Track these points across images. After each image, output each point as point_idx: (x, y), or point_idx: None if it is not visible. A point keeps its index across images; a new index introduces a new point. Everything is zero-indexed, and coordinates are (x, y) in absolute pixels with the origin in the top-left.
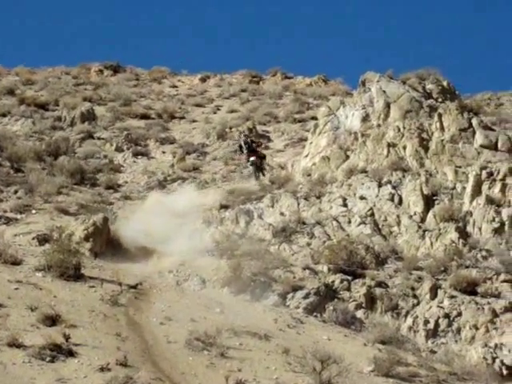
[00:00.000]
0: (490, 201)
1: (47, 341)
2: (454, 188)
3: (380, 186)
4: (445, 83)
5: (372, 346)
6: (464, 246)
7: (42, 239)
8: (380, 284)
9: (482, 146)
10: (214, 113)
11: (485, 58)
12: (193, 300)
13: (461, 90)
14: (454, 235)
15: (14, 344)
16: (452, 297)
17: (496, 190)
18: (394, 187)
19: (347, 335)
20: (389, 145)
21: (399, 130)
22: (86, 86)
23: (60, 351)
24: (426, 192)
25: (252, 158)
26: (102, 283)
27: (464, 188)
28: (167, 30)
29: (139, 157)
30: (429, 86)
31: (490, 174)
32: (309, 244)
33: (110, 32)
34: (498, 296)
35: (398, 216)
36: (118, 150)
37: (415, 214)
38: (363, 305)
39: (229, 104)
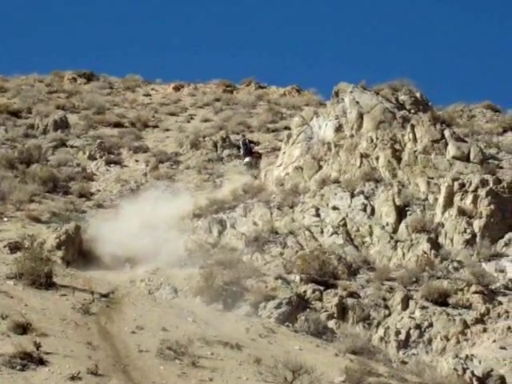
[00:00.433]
0: (461, 212)
1: (18, 349)
2: (426, 199)
3: (353, 196)
4: (418, 94)
5: (343, 357)
6: (436, 257)
7: (14, 247)
8: (352, 294)
9: (454, 157)
10: (188, 122)
11: (457, 70)
12: (165, 309)
13: (433, 101)
14: (425, 246)
15: None
16: (423, 308)
17: (468, 202)
18: (366, 198)
19: (319, 345)
20: (362, 155)
21: (372, 140)
22: (59, 93)
23: (31, 360)
24: (398, 203)
25: (246, 159)
26: (73, 291)
27: (436, 199)
28: (141, 39)
29: (112, 165)
30: (402, 98)
31: (462, 186)
32: (281, 254)
33: (84, 40)
34: (469, 307)
35: (370, 226)
36: (91, 158)
37: (387, 224)
38: (335, 315)
39: (202, 113)
